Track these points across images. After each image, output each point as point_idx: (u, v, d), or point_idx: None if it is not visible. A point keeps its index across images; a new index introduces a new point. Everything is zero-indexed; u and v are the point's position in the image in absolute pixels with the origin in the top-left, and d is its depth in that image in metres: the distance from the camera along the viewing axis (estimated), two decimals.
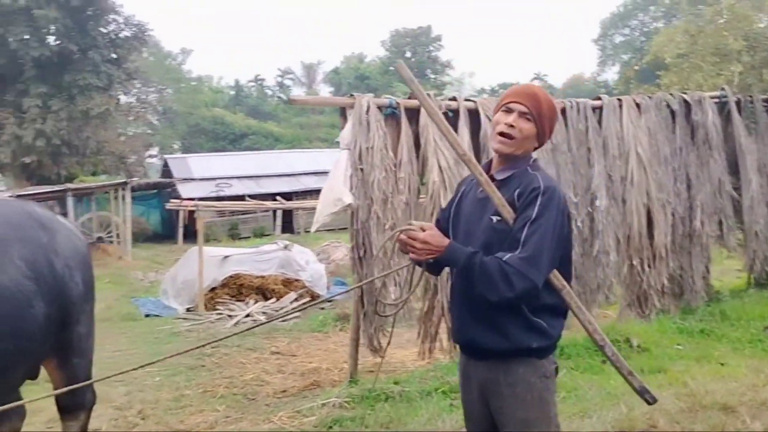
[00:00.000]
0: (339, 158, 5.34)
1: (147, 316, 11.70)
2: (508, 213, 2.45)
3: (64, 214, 19.25)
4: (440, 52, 57.64)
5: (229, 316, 10.91)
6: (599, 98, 6.49)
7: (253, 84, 60.67)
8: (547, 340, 2.50)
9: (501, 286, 2.33)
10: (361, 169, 5.28)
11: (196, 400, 6.21)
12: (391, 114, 5.54)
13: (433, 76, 56.00)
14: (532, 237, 2.35)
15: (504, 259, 2.35)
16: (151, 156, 46.70)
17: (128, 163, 24.48)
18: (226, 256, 12.71)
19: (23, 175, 22.55)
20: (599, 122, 6.36)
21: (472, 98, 6.04)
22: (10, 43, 20.71)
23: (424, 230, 2.49)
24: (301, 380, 6.78)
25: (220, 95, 58.92)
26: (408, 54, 56.42)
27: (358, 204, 5.27)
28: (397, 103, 5.54)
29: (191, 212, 18.53)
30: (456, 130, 5.69)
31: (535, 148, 2.57)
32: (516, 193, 2.47)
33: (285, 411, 5.42)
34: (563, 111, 6.19)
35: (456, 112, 5.72)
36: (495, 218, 2.49)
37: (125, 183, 19.49)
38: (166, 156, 30.89)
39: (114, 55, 23.06)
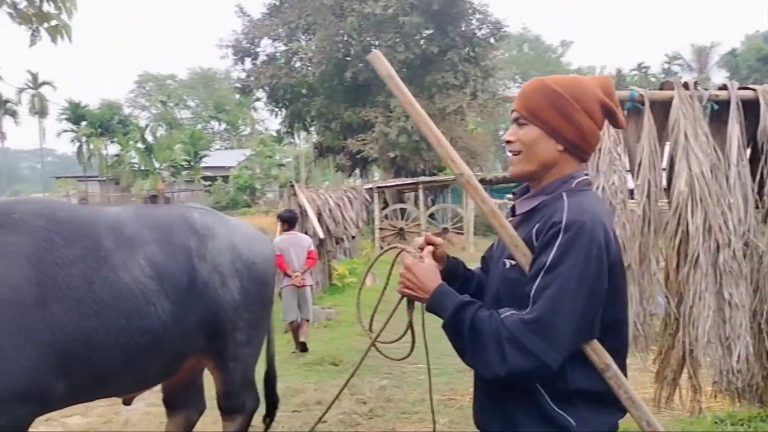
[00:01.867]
0: None
1: None
2: (522, 255, 1.79)
3: (417, 205, 20.92)
4: None
5: None
6: None
7: (635, 72, 57.67)
8: None
9: (491, 357, 1.70)
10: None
11: (418, 406, 6.09)
12: (632, 108, 4.63)
13: None
14: (545, 292, 1.69)
15: (502, 317, 1.71)
16: None
17: (477, 157, 25.47)
18: None
19: (391, 168, 24.98)
20: None
21: (750, 86, 4.72)
22: (381, 49, 23.06)
23: (423, 259, 1.94)
24: None
25: None
26: None
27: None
28: (640, 95, 4.60)
29: None
30: (725, 125, 4.53)
31: (567, 152, 1.87)
32: (535, 229, 1.79)
33: None
34: None
35: (725, 103, 4.53)
36: (509, 262, 1.86)
37: None
38: None
39: (472, 54, 24.05)
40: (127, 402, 3.94)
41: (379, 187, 20.26)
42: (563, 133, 1.84)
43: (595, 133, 1.88)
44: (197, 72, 68.98)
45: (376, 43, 23.10)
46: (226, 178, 45.70)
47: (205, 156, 48.42)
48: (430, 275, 1.88)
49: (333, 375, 7.43)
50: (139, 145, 48.21)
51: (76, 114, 51.78)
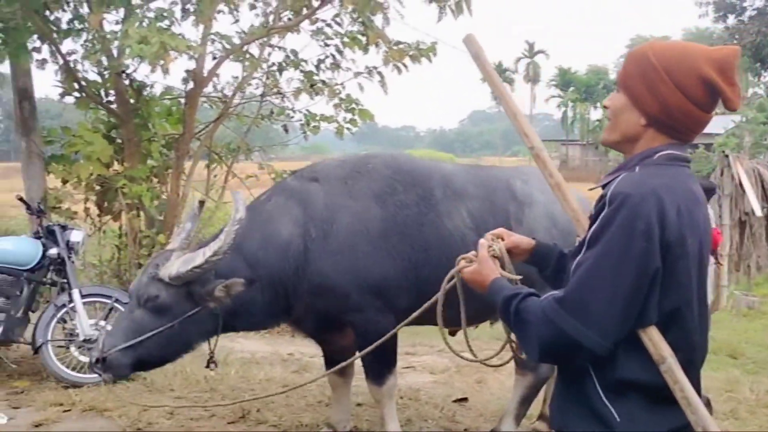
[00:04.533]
0: None
1: None
2: (583, 231, 1.74)
3: None
4: None
5: None
6: None
7: None
8: None
9: (529, 340, 1.68)
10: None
11: None
12: None
13: None
14: (579, 269, 1.62)
15: (541, 299, 1.69)
16: None
17: None
18: None
19: None
20: None
21: None
22: None
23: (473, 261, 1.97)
24: None
25: None
26: None
27: None
28: None
29: None
30: None
31: (652, 127, 1.70)
32: (594, 204, 1.72)
33: None
34: None
35: None
36: (578, 240, 1.77)
37: None
38: None
39: None
40: (452, 333, 4.44)
41: None
42: (645, 106, 1.69)
43: (686, 110, 1.66)
44: (692, 32, 64.94)
45: None
46: (709, 146, 42.55)
47: None
48: (483, 274, 1.88)
49: (724, 366, 6.71)
50: None
51: (564, 80, 54.27)
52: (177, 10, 6.81)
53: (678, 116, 1.68)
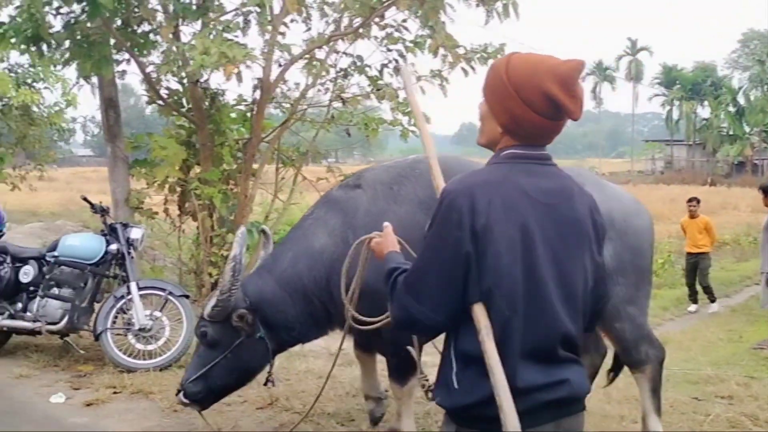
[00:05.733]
0: None
1: None
2: None
3: None
4: None
5: None
6: None
7: None
8: (449, 399, 1.86)
9: (390, 305, 1.96)
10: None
11: None
12: None
13: None
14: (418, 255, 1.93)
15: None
16: None
17: None
18: None
19: None
20: None
21: None
22: None
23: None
24: None
25: None
26: None
27: None
28: None
29: None
30: None
31: (507, 133, 1.91)
32: None
33: None
34: None
35: None
36: None
37: None
38: None
39: None
40: None
41: None
42: (498, 116, 1.90)
43: (533, 121, 1.85)
44: None
45: None
46: None
47: None
48: (383, 245, 2.21)
49: None
50: (730, 108, 45.76)
51: (668, 78, 52.15)
52: (241, 21, 7.19)
53: (526, 126, 1.87)
